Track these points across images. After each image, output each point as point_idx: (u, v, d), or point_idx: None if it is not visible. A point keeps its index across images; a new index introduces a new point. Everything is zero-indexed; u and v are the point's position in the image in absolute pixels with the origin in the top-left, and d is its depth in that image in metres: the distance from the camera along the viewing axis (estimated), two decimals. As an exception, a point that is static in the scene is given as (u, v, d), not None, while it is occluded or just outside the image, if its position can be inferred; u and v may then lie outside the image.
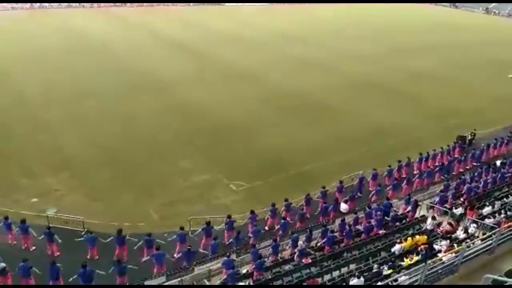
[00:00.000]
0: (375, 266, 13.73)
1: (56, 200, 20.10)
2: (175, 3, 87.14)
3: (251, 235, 17.06)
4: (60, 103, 31.60)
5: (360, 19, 79.04)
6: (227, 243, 17.16)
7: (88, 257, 15.75)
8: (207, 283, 14.01)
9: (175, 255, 15.94)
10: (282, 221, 17.75)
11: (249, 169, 23.85)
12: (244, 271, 15.01)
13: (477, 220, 16.51)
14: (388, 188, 21.10)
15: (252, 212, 17.76)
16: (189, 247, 15.31)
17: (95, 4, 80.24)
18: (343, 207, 19.91)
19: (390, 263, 14.04)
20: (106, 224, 17.55)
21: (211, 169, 23.77)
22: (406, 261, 14.08)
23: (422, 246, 14.69)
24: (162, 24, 65.00)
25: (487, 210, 17.70)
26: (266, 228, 18.57)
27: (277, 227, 18.01)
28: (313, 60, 46.90)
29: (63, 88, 34.68)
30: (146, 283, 13.87)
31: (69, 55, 44.69)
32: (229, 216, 17.45)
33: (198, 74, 40.24)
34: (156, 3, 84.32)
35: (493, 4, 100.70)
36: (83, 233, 16.63)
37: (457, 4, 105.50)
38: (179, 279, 14.30)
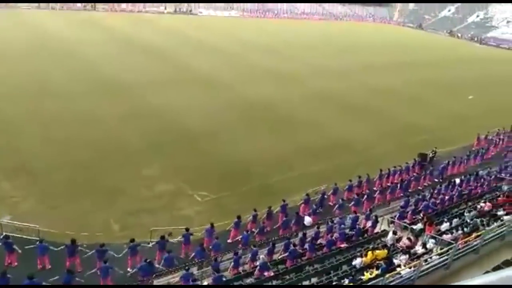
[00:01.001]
0: (335, 279, 13.81)
1: (10, 207, 19.17)
2: (147, 11, 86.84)
3: (210, 248, 16.79)
4: (21, 104, 30.55)
5: (330, 36, 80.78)
6: (183, 256, 16.70)
7: (39, 267, 15.12)
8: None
9: (129, 269, 15.49)
10: (244, 233, 17.59)
11: (214, 179, 23.63)
12: (205, 283, 14.79)
13: (436, 235, 16.95)
14: (351, 204, 21.39)
15: (211, 225, 17.38)
16: (147, 260, 14.75)
17: (65, 6, 79.02)
18: (307, 220, 19.98)
19: (351, 277, 14.17)
20: (63, 233, 16.88)
21: (175, 178, 23.39)
22: (366, 275, 14.24)
23: (382, 261, 14.93)
24: (132, 29, 64.45)
25: (445, 226, 18.23)
26: (230, 240, 18.27)
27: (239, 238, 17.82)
28: (281, 72, 47.44)
29: (26, 88, 33.65)
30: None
31: (34, 56, 43.49)
32: (187, 229, 16.87)
33: (165, 81, 39.85)
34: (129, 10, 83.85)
35: (457, 27, 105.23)
36: (38, 242, 15.95)
37: (423, 25, 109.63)
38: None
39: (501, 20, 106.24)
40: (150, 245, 16.77)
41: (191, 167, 24.69)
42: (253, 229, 18.11)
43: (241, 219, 18.33)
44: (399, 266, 14.54)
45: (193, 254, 16.41)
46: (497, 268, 12.39)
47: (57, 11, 77.08)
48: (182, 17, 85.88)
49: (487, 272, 12.13)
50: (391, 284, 12.34)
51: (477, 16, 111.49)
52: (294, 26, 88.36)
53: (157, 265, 15.66)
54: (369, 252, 15.71)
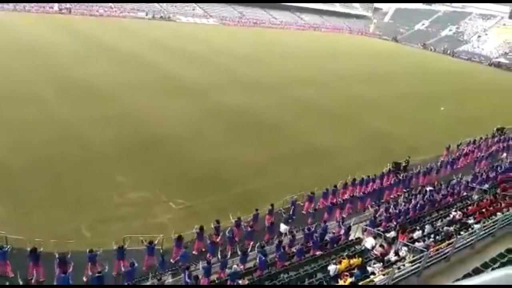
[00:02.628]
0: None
1: (-23, 213, 18.55)
2: (125, 16, 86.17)
3: (179, 258, 16.51)
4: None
5: (310, 46, 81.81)
6: (144, 268, 16.24)
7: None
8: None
9: (84, 278, 15.13)
10: (209, 244, 17.25)
11: (190, 186, 23.36)
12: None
13: (408, 243, 17.19)
14: (322, 210, 21.44)
15: (178, 237, 16.89)
16: (99, 274, 14.10)
17: (40, 9, 77.69)
18: (283, 228, 19.97)
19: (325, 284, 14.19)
20: (31, 240, 16.33)
21: (149, 185, 22.97)
22: (340, 283, 14.29)
23: (356, 268, 15.02)
24: (109, 35, 63.82)
25: (417, 234, 18.52)
26: (194, 252, 17.83)
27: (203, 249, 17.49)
28: (258, 80, 47.65)
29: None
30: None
31: (6, 58, 42.40)
32: (150, 242, 16.37)
33: (140, 86, 39.45)
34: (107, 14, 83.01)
35: (431, 41, 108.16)
36: (5, 248, 15.39)
37: (398, 38, 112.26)
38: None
39: (472, 35, 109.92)
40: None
41: (166, 174, 24.36)
42: (216, 240, 17.73)
43: (203, 230, 17.81)
44: (373, 273, 14.65)
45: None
46: (467, 276, 12.64)
47: (32, 13, 75.59)
48: (160, 23, 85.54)
49: (457, 280, 12.37)
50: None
51: (450, 30, 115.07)
52: (273, 35, 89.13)
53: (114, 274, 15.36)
54: (344, 260, 15.80)
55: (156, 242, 16.65)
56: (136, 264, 15.15)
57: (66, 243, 16.73)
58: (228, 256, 16.67)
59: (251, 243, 17.81)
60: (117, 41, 59.86)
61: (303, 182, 24.69)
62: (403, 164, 28.47)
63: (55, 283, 13.96)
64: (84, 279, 15.14)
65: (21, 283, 13.19)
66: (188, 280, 14.15)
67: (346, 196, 23.27)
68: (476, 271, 13.11)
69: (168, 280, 15.06)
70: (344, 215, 21.17)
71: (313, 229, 18.99)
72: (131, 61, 49.07)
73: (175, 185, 23.27)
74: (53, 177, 22.27)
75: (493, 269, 12.92)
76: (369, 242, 18.02)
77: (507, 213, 18.23)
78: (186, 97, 38.24)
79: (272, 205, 20.49)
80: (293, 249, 17.59)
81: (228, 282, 14.84)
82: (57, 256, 14.77)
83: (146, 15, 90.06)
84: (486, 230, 16.26)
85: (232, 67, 52.67)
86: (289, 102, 40.99)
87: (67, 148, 25.51)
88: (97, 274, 14.15)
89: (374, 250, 17.46)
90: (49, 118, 29.37)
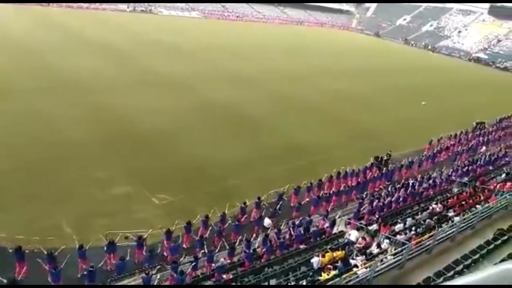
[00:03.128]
0: (293, 280, 13.93)
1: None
2: (105, 8, 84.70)
3: (169, 252, 16.46)
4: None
5: (293, 40, 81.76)
6: (136, 261, 16.22)
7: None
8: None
9: (78, 275, 15.04)
10: (197, 238, 17.27)
11: (173, 181, 23.19)
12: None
13: (390, 236, 17.44)
14: (308, 204, 21.59)
15: (167, 231, 17.01)
16: (91, 268, 14.27)
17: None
18: (267, 222, 20.04)
19: (309, 277, 14.30)
20: (12, 238, 16.06)
21: (132, 180, 22.73)
22: (324, 276, 14.40)
23: (340, 261, 15.17)
24: (90, 27, 62.67)
25: (399, 226, 18.79)
26: (184, 246, 17.84)
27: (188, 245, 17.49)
28: (242, 75, 47.49)
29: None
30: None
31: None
32: (139, 237, 16.30)
33: (122, 80, 38.92)
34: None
35: (412, 36, 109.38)
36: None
37: (380, 33, 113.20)
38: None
39: (453, 30, 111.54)
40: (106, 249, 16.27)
41: (149, 169, 24.10)
42: (204, 235, 17.76)
43: (191, 224, 17.87)
44: (355, 266, 14.82)
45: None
46: (448, 268, 12.91)
47: (13, 5, 73.38)
48: (141, 16, 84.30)
49: (438, 271, 12.61)
50: (349, 284, 12.54)
51: (431, 25, 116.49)
52: (256, 29, 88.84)
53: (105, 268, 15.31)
54: (327, 253, 15.95)
55: (145, 236, 16.58)
56: (126, 258, 15.21)
57: (48, 240, 16.51)
58: (217, 250, 16.70)
59: (239, 237, 17.87)
60: (98, 33, 58.76)
61: (287, 176, 24.78)
62: (385, 158, 28.82)
63: (49, 279, 13.82)
64: (78, 275, 15.04)
65: (5, 281, 12.95)
66: (175, 275, 14.15)
67: (332, 190, 23.49)
68: (455, 263, 13.40)
69: (156, 275, 14.96)
70: (329, 209, 21.35)
71: (297, 222, 19.12)
72: (111, 54, 48.27)
73: (158, 181, 23.04)
74: (33, 172, 21.81)
75: (473, 261, 13.23)
76: (353, 234, 18.23)
77: (486, 205, 18.66)
78: (168, 91, 37.87)
79: (259, 198, 20.56)
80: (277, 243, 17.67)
81: (215, 276, 14.83)
82: (45, 253, 14.60)
83: (128, 7, 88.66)
84: (466, 223, 16.62)
85: (216, 61, 52.31)
86: (271, 97, 40.95)
87: (48, 142, 25.03)
88: (89, 269, 14.22)
89: (356, 243, 17.66)
90: (27, 113, 28.72)
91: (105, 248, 15.74)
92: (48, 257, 14.45)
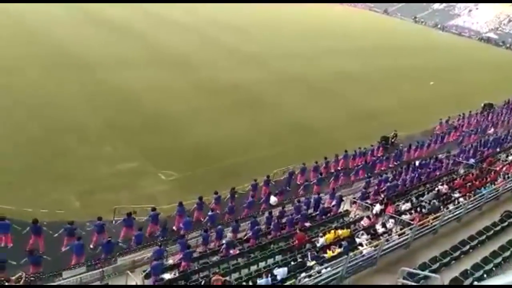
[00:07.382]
0: (299, 257, 14.09)
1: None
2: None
3: (181, 227, 16.66)
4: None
5: (302, 20, 79.98)
6: (148, 235, 16.41)
7: (2, 245, 14.49)
8: (130, 274, 13.49)
9: (91, 246, 15.25)
10: (210, 213, 17.45)
11: (180, 159, 23.32)
12: (170, 261, 14.71)
13: (395, 215, 17.49)
14: (313, 182, 21.69)
15: (180, 204, 17.25)
16: (109, 238, 14.58)
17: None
18: (273, 200, 20.16)
19: (314, 254, 14.43)
20: (21, 211, 16.25)
21: (139, 156, 22.87)
22: (329, 253, 14.53)
23: (345, 240, 15.29)
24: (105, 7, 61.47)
25: (404, 207, 18.82)
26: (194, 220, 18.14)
27: (203, 219, 17.64)
28: (249, 54, 46.80)
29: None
30: (64, 274, 13.09)
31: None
32: (153, 209, 16.54)
33: (128, 60, 38.41)
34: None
35: (422, 14, 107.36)
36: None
37: (388, 10, 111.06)
38: (100, 270, 13.69)
39: (464, 9, 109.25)
40: (115, 223, 16.51)
41: (156, 146, 24.23)
42: (216, 210, 17.98)
43: (203, 200, 18.08)
44: (360, 245, 14.94)
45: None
46: (455, 248, 12.98)
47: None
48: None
49: (445, 251, 12.69)
50: (354, 262, 12.61)
51: (441, 4, 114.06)
52: (263, 7, 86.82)
53: (120, 242, 15.54)
54: (332, 231, 16.06)
55: (158, 211, 16.74)
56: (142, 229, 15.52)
57: (56, 213, 16.73)
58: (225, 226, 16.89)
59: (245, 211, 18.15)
60: (111, 13, 57.37)
61: (293, 156, 24.79)
62: (391, 139, 28.73)
63: (73, 251, 14.01)
64: (91, 246, 15.27)
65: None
66: (182, 248, 14.34)
67: (338, 168, 23.50)
68: (462, 243, 13.48)
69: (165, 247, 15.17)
70: (335, 187, 21.43)
71: (304, 200, 19.21)
72: (120, 31, 47.70)
73: (164, 157, 23.21)
74: (41, 148, 21.94)
75: (479, 242, 13.29)
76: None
77: (493, 187, 18.63)
78: (176, 71, 37.42)
79: (268, 176, 20.66)
80: (283, 220, 17.80)
81: (224, 249, 15.07)
82: (65, 226, 14.77)
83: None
84: (473, 204, 16.63)
85: (224, 40, 51.33)
86: (276, 77, 40.31)
87: (55, 120, 25.14)
88: (108, 239, 14.48)
89: (362, 222, 17.75)
90: (35, 89, 28.65)
91: (123, 221, 15.95)
92: (69, 229, 14.63)
